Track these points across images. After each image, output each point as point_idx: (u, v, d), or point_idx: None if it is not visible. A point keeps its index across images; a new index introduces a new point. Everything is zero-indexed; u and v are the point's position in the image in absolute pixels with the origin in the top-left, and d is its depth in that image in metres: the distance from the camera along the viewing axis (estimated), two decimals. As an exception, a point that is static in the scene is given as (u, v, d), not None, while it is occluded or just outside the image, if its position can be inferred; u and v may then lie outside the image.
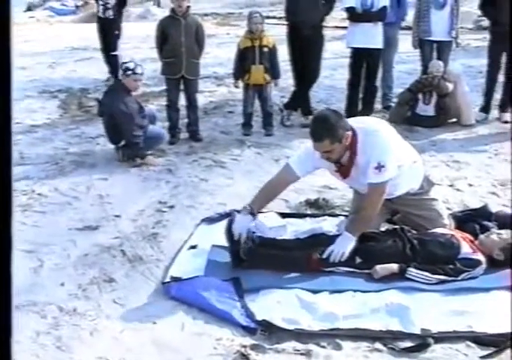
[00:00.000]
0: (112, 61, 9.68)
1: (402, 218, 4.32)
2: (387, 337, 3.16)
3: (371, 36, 6.97)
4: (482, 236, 3.90)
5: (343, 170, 4.00)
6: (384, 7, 6.87)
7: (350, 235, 3.83)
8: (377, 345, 3.11)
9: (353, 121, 3.93)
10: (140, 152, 5.86)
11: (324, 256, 3.77)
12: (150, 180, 5.56)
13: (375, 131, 3.86)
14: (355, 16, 6.89)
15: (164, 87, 7.11)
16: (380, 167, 3.76)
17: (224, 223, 4.42)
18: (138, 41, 13.76)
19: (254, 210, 3.98)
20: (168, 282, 3.69)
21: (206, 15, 20.15)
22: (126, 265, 3.99)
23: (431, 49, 7.37)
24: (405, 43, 8.35)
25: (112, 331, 3.26)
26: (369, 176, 3.82)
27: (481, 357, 3.01)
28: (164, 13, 19.55)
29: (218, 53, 11.75)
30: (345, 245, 3.79)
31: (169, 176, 5.66)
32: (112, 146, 6.07)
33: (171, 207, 4.95)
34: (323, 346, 3.11)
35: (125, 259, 4.07)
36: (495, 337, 3.13)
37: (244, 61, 6.71)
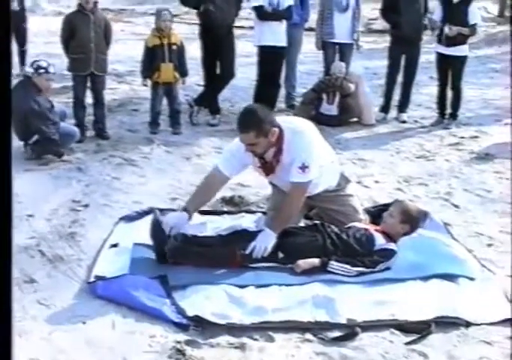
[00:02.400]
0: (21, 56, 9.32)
1: (319, 213, 4.46)
2: (315, 328, 3.28)
3: (279, 34, 7.16)
4: (384, 214, 4.13)
5: (267, 167, 4.08)
6: (290, 7, 7.06)
7: (271, 232, 3.92)
8: (308, 336, 3.22)
9: (281, 120, 4.03)
10: (57, 149, 5.73)
11: (247, 251, 3.84)
12: (61, 178, 5.45)
13: (302, 132, 3.97)
14: (265, 14, 7.02)
15: (65, 83, 6.98)
16: (304, 168, 3.88)
17: (143, 221, 4.44)
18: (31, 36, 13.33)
19: (189, 212, 4.02)
20: (93, 281, 3.65)
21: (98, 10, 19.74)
22: (47, 265, 3.91)
23: (333, 50, 7.62)
24: (306, 44, 8.58)
25: (41, 333, 3.20)
26: (293, 175, 3.92)
27: (406, 343, 3.19)
28: (54, 7, 19.16)
29: (116, 50, 11.57)
30: (267, 241, 3.87)
31: (80, 175, 5.57)
32: (16, 144, 5.90)
33: (86, 206, 4.88)
34: (256, 339, 3.19)
35: (45, 259, 3.99)
36: (417, 324, 3.33)
37: (153, 59, 6.67)
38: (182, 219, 3.99)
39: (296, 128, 3.99)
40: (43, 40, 12.38)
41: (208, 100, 7.46)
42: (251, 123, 3.82)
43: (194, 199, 4.16)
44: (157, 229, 3.86)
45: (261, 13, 7.04)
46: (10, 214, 1.09)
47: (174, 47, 6.70)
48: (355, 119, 7.63)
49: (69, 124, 6.29)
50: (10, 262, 1.10)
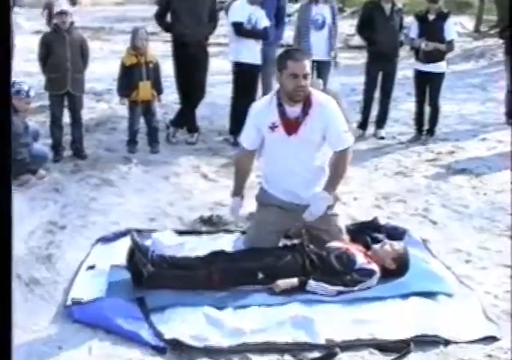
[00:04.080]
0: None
1: (297, 232, 4.44)
2: (294, 349, 3.26)
3: (255, 53, 7.19)
4: (376, 247, 4.10)
5: (292, 125, 4.03)
6: (266, 28, 7.11)
7: (326, 193, 4.04)
8: (287, 357, 3.20)
9: None
10: (28, 168, 5.67)
11: (305, 215, 4.03)
12: (37, 200, 5.40)
13: (331, 100, 4.13)
14: (243, 31, 7.05)
15: (42, 102, 6.94)
16: (346, 132, 4.08)
17: (120, 242, 4.40)
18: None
19: (241, 196, 4.40)
20: (70, 305, 3.61)
21: (75, 29, 19.73)
22: (23, 288, 3.86)
23: (311, 68, 7.62)
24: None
25: (16, 357, 3.14)
26: (342, 140, 4.07)
27: (385, 363, 3.18)
28: (33, 25, 19.10)
29: (94, 68, 11.52)
30: (323, 203, 4.02)
31: (56, 195, 5.52)
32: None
33: (63, 227, 4.83)
34: (235, 362, 3.16)
35: (21, 282, 3.93)
36: (396, 343, 3.32)
37: (130, 77, 6.66)
38: (238, 203, 4.40)
39: (325, 95, 4.17)
40: (21, 58, 12.32)
41: (184, 119, 7.46)
42: (304, 54, 4.09)
43: (239, 183, 4.41)
44: (133, 253, 3.81)
45: (240, 30, 7.06)
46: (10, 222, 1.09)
47: (151, 65, 6.71)
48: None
49: (41, 145, 6.23)
50: (11, 266, 1.10)
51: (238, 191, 4.39)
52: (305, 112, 4.00)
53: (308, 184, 4.18)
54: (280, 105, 4.04)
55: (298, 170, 4.14)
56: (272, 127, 4.06)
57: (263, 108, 4.15)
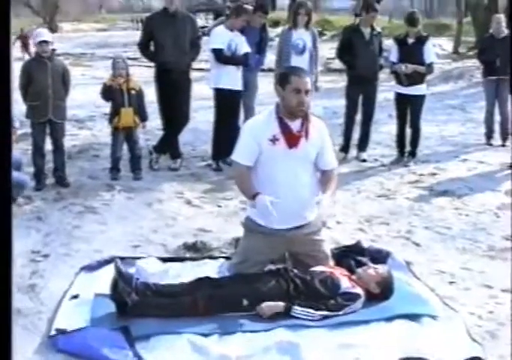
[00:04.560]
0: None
1: (281, 257, 4.44)
2: (280, 375, 3.25)
3: (235, 79, 7.25)
4: (360, 270, 4.11)
5: (293, 138, 4.10)
6: (247, 54, 7.17)
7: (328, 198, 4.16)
8: (273, 383, 3.19)
9: None
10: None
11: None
12: (19, 228, 5.35)
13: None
14: (224, 58, 7.11)
15: (25, 130, 6.94)
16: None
17: (104, 270, 4.38)
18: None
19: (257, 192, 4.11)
20: (54, 335, 3.58)
21: (57, 56, 19.76)
22: (6, 319, 3.82)
23: (292, 92, 7.66)
24: (267, 84, 8.67)
25: (-1, 390, 3.11)
26: (331, 161, 4.32)
27: (371, 388, 3.17)
28: (14, 52, 19.10)
29: (76, 95, 11.56)
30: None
31: (39, 224, 5.50)
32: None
33: (46, 256, 4.80)
34: (221, 389, 3.15)
35: (4, 313, 3.90)
36: (381, 367, 3.32)
37: (112, 103, 6.72)
38: (266, 199, 4.03)
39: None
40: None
41: (167, 145, 7.49)
42: (307, 72, 4.25)
43: (250, 189, 4.15)
44: (117, 282, 3.78)
45: (220, 57, 7.13)
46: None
47: (133, 92, 6.74)
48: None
49: (19, 173, 6.19)
50: (11, 267, 1.11)
51: (255, 191, 4.11)
52: (305, 126, 4.10)
53: (303, 202, 4.18)
54: (280, 118, 4.10)
55: (295, 185, 4.16)
56: (273, 140, 4.09)
57: (261, 123, 4.20)
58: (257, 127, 4.18)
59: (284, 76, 4.12)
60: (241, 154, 4.23)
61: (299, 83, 4.02)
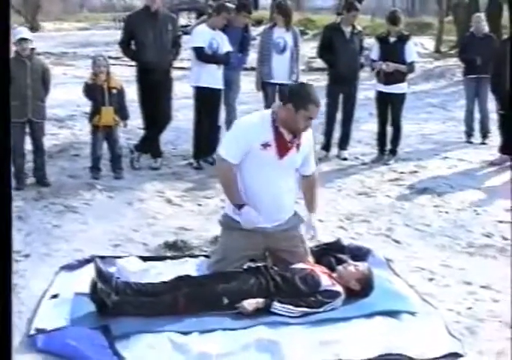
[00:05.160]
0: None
1: (261, 255, 4.44)
2: (260, 373, 3.26)
3: (216, 77, 7.25)
4: (340, 268, 4.13)
5: (285, 147, 4.13)
6: (229, 52, 7.18)
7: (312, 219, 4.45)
8: (252, 381, 3.20)
9: None
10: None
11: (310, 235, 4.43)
12: None
13: None
14: (204, 56, 7.11)
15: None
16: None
17: (84, 269, 4.37)
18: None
19: (244, 203, 4.14)
20: (34, 334, 3.57)
21: (38, 54, 19.58)
22: (-15, 319, 3.80)
23: (273, 91, 7.69)
24: (248, 83, 8.69)
25: (-23, 391, 3.10)
26: (313, 165, 4.42)
27: (350, 384, 3.19)
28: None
29: (57, 95, 11.48)
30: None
31: (20, 224, 5.45)
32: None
33: (26, 256, 4.77)
34: (201, 387, 3.15)
35: (-17, 313, 3.87)
36: (361, 363, 3.34)
37: (93, 102, 6.70)
38: (252, 212, 4.10)
39: None
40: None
41: (149, 144, 7.47)
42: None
43: (238, 193, 4.17)
44: (96, 283, 3.77)
45: (201, 55, 7.13)
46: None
47: (114, 91, 6.72)
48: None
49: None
50: (11, 266, 1.10)
51: (242, 200, 4.14)
52: (296, 137, 4.14)
53: (282, 207, 4.27)
54: (276, 127, 4.11)
55: (278, 191, 4.20)
56: (265, 145, 4.10)
57: (256, 125, 4.17)
58: (252, 129, 4.15)
59: (302, 100, 4.03)
60: (229, 151, 4.16)
61: (315, 113, 4.08)
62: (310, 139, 4.32)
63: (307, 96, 4.06)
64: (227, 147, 4.21)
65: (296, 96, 4.09)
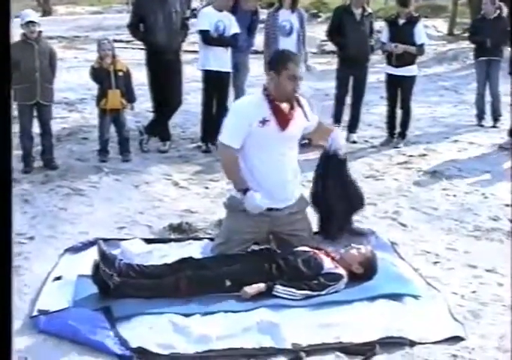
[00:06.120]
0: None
1: (264, 238, 4.42)
2: (260, 354, 3.27)
3: (223, 60, 7.21)
4: (342, 251, 4.11)
5: (285, 119, 4.14)
6: (236, 34, 7.12)
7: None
8: (253, 362, 3.21)
9: None
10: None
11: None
12: (6, 211, 5.35)
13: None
14: (210, 39, 7.07)
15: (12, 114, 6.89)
16: None
17: (88, 252, 4.38)
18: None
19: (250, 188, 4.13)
20: (36, 315, 3.59)
21: (50, 38, 19.61)
22: (-12, 300, 3.83)
23: (281, 73, 7.62)
24: (257, 67, 8.64)
25: (-21, 371, 3.12)
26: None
27: (350, 366, 3.19)
28: None
29: (68, 78, 11.51)
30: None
31: (26, 206, 5.48)
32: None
33: (31, 238, 4.80)
34: (201, 368, 3.16)
35: (-14, 294, 3.90)
36: (361, 346, 3.33)
37: (100, 85, 6.70)
38: (256, 196, 4.09)
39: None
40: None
41: (158, 127, 7.45)
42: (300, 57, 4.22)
43: (241, 178, 4.18)
44: (99, 265, 3.78)
45: (207, 38, 7.09)
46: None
47: (120, 74, 6.71)
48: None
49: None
50: (11, 265, 1.11)
51: (245, 184, 4.16)
52: (293, 108, 4.14)
53: (288, 184, 4.25)
54: (271, 101, 4.10)
55: (282, 168, 4.20)
56: (263, 122, 4.09)
57: (250, 104, 4.22)
58: (247, 109, 4.17)
59: (281, 62, 4.10)
60: (229, 136, 4.18)
61: (295, 70, 4.05)
62: (305, 107, 4.29)
63: (283, 56, 4.18)
64: (227, 132, 4.22)
65: (274, 61, 4.21)
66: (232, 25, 7.14)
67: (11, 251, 1.08)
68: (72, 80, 11.29)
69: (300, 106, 4.22)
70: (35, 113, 6.53)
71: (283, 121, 4.12)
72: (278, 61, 4.14)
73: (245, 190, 4.12)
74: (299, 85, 4.09)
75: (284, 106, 4.13)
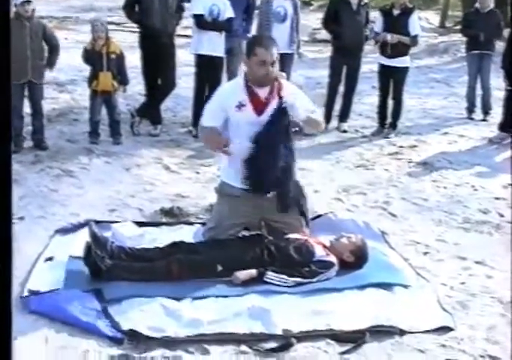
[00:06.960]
0: None
1: (256, 224, 4.42)
2: (251, 340, 3.27)
3: (217, 44, 7.18)
4: (333, 240, 4.13)
5: (261, 104, 4.07)
6: (230, 19, 7.08)
7: None
8: (243, 347, 3.21)
9: None
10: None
11: None
12: (-5, 190, 5.32)
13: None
14: (204, 23, 7.03)
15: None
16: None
17: (79, 233, 4.36)
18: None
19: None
20: (26, 296, 3.58)
21: (41, 18, 19.39)
22: (-22, 280, 3.81)
23: (274, 60, 7.60)
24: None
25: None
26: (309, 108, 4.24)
27: (340, 353, 3.21)
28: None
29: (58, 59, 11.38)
30: None
31: (15, 186, 5.43)
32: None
33: (21, 218, 4.76)
34: (192, 352, 3.17)
35: (-24, 274, 3.88)
36: (351, 333, 3.35)
37: (91, 67, 6.65)
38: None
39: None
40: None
41: (149, 110, 7.42)
42: (273, 41, 4.13)
43: (218, 138, 4.12)
44: (90, 247, 3.76)
45: (200, 22, 7.05)
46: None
47: (113, 56, 6.66)
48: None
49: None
50: (11, 265, 1.10)
51: (226, 141, 4.09)
52: (272, 93, 4.07)
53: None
54: (248, 86, 4.09)
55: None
56: (239, 106, 4.08)
57: (228, 89, 4.28)
58: (224, 94, 4.21)
59: (250, 47, 4.08)
60: (206, 118, 4.23)
61: (264, 55, 3.95)
62: (295, 92, 4.20)
63: (253, 42, 4.16)
64: (206, 115, 4.26)
65: (247, 46, 4.21)
66: (226, 10, 7.09)
67: (11, 252, 1.07)
68: (62, 61, 11.13)
69: (279, 92, 4.08)
70: (26, 93, 6.47)
71: (258, 106, 4.09)
72: (248, 47, 4.15)
73: (226, 142, 4.07)
74: (271, 69, 3.97)
75: (262, 91, 4.09)
